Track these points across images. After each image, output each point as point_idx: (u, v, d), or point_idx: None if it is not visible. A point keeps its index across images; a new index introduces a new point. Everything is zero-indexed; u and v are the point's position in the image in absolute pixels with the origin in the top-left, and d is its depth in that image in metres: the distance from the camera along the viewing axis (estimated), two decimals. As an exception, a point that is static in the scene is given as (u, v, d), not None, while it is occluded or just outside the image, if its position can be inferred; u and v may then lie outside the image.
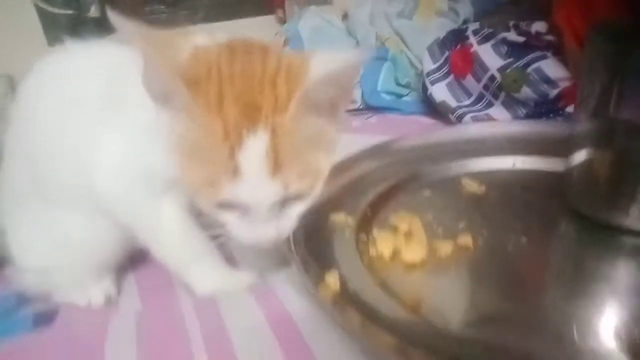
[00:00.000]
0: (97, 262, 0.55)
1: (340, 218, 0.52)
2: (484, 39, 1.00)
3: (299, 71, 0.38)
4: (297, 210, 0.42)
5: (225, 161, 0.36)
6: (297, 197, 0.41)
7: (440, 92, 1.06)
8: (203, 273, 0.53)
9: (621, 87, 0.44)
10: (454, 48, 1.06)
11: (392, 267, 0.45)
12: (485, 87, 0.98)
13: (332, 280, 0.42)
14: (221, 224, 0.42)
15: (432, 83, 1.08)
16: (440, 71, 1.08)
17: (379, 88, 1.22)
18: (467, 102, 1.03)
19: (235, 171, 0.36)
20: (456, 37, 1.06)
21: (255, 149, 0.36)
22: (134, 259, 0.60)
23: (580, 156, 0.51)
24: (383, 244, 0.46)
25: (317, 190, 0.42)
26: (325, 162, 0.42)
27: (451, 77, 1.06)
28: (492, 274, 0.44)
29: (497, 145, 0.65)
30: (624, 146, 0.47)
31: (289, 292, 0.49)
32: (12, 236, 0.55)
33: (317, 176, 0.42)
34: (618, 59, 0.43)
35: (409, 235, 0.47)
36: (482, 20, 1.08)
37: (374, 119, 1.16)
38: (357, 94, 1.25)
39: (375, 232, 0.49)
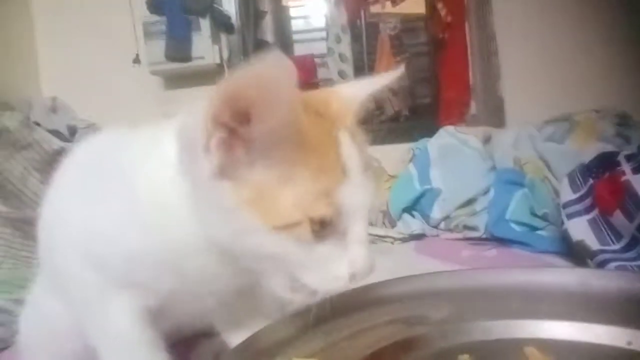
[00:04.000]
0: (64, 354, 0.50)
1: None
2: (642, 167, 0.77)
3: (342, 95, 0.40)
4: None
5: (333, 161, 0.35)
6: None
7: (579, 228, 0.83)
8: None
9: None
10: (600, 176, 0.84)
11: None
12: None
13: None
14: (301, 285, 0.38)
15: (570, 217, 0.85)
16: (582, 203, 0.85)
17: (508, 216, 1.02)
18: (615, 246, 0.77)
19: (343, 169, 0.35)
20: (604, 163, 0.84)
21: (347, 144, 0.36)
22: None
23: None
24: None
25: None
26: None
27: (595, 212, 0.82)
28: None
29: (602, 307, 0.43)
30: None
31: None
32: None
33: None
34: None
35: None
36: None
37: (493, 252, 0.96)
38: (481, 221, 1.07)
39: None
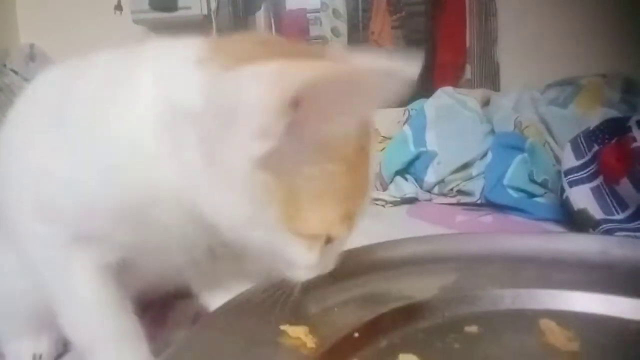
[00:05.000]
0: (25, 314, 0.45)
1: (297, 333, 0.34)
2: (654, 133, 0.72)
3: None
4: None
5: (363, 180, 0.34)
6: None
7: (581, 197, 0.79)
8: None
9: None
10: (607, 142, 0.79)
11: None
12: (648, 197, 0.69)
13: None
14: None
15: (571, 184, 0.81)
16: (585, 170, 0.81)
17: (505, 182, 0.98)
18: (619, 216, 0.74)
19: (366, 189, 0.34)
20: (612, 129, 0.80)
21: (374, 158, 0.35)
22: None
23: None
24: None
25: None
26: None
27: (599, 179, 0.78)
28: None
29: (626, 278, 0.39)
30: None
31: None
32: None
33: None
34: None
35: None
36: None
37: (488, 218, 0.92)
38: (477, 186, 1.03)
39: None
